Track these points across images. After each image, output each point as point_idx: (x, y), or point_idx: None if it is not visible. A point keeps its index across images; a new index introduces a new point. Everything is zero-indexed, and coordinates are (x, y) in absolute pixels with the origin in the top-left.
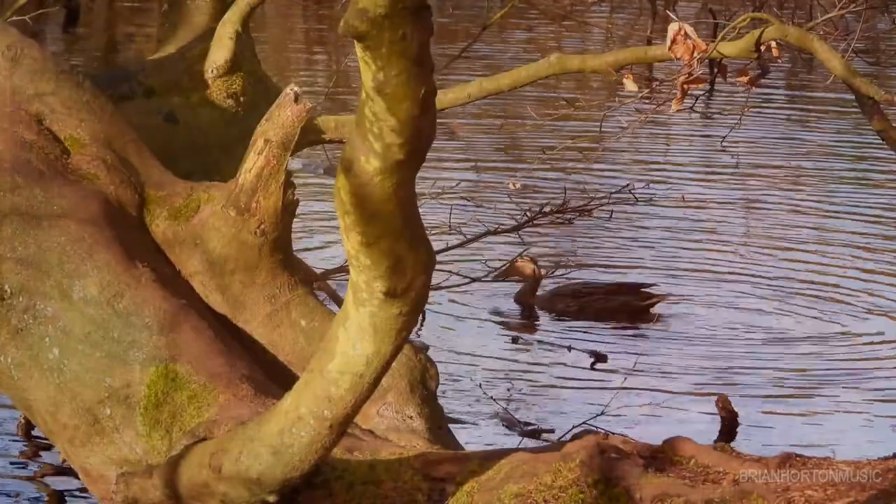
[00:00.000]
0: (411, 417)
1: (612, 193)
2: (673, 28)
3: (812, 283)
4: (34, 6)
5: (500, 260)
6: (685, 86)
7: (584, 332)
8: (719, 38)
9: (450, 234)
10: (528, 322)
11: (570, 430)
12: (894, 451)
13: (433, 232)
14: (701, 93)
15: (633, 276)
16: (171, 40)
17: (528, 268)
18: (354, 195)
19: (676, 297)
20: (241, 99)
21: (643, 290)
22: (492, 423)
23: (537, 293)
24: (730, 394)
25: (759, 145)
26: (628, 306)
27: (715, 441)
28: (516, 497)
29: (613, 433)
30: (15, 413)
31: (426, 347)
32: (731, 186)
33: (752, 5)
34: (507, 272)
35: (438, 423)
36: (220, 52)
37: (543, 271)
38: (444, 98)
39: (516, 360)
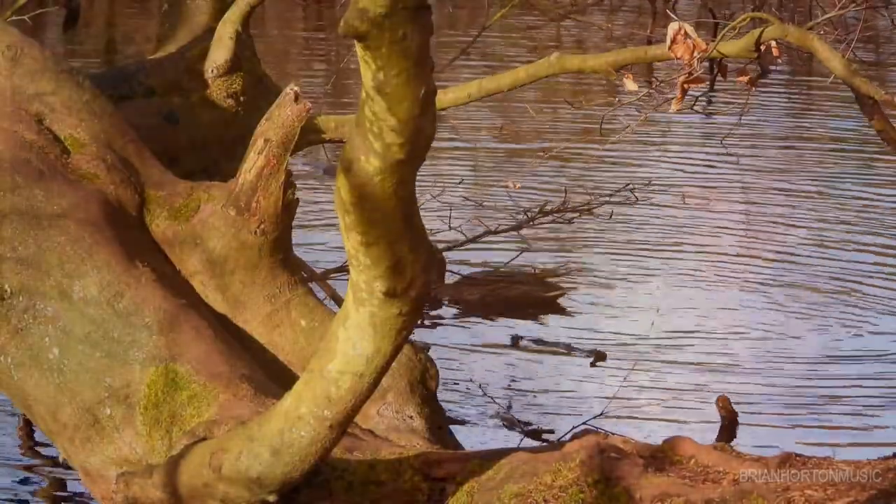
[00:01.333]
0: (411, 417)
1: (612, 193)
2: (673, 28)
3: (814, 281)
4: (34, 6)
5: (499, 260)
6: (685, 85)
7: (584, 332)
8: (719, 37)
9: (450, 234)
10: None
11: (570, 430)
12: (894, 451)
13: (433, 232)
14: (701, 92)
15: (631, 278)
16: (171, 40)
17: None
18: (354, 195)
19: (573, 287)
20: (241, 99)
21: (543, 279)
22: (492, 423)
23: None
24: (730, 394)
25: (759, 144)
26: (529, 297)
27: (715, 441)
28: (516, 497)
29: (613, 433)
30: (15, 413)
31: (426, 347)
32: (731, 186)
33: (752, 5)
34: None
35: (438, 423)
36: (220, 51)
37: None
38: (444, 98)
39: (516, 360)
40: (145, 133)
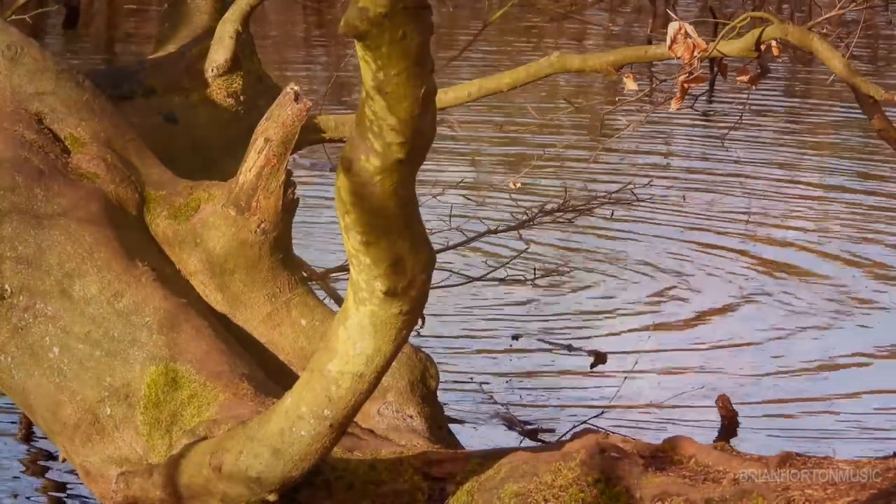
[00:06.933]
0: (411, 417)
1: (612, 192)
2: (673, 27)
3: (814, 281)
4: (34, 6)
5: (500, 260)
6: (685, 85)
7: (584, 332)
8: (719, 37)
9: (450, 233)
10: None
11: (570, 430)
12: (894, 451)
13: (433, 232)
14: (701, 92)
15: (631, 277)
16: (171, 40)
17: None
18: (354, 194)
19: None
20: (242, 98)
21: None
22: (492, 423)
23: None
24: (730, 394)
25: (759, 144)
26: None
27: (715, 441)
28: (516, 496)
29: (613, 433)
30: (15, 412)
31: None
32: (731, 186)
33: (752, 4)
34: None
35: (438, 423)
36: (220, 51)
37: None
38: (444, 97)
39: (516, 360)
40: (145, 133)
